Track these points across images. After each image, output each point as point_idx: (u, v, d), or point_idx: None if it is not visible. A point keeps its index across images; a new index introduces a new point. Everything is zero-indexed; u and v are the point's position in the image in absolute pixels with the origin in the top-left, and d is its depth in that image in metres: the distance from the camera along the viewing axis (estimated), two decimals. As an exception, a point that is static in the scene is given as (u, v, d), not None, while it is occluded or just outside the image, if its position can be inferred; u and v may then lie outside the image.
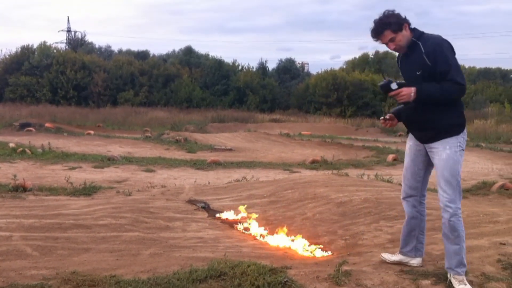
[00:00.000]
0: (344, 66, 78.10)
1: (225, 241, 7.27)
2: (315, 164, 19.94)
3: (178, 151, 24.90)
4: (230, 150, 25.85)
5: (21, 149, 20.69)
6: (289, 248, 7.11)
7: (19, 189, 11.16)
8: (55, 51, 64.89)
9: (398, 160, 21.73)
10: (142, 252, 6.32)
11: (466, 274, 5.80)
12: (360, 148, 27.36)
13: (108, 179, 14.69)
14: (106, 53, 76.77)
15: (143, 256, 6.14)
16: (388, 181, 13.16)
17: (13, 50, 63.37)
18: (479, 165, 21.23)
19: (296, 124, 46.25)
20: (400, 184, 11.88)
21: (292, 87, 69.20)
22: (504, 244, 6.86)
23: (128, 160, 19.48)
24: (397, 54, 5.79)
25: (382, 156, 23.21)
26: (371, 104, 61.82)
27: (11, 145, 22.44)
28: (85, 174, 15.56)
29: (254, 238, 7.72)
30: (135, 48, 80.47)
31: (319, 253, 7.01)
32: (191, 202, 10.07)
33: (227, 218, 8.83)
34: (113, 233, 7.29)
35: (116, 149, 25.13)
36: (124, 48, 77.71)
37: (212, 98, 64.10)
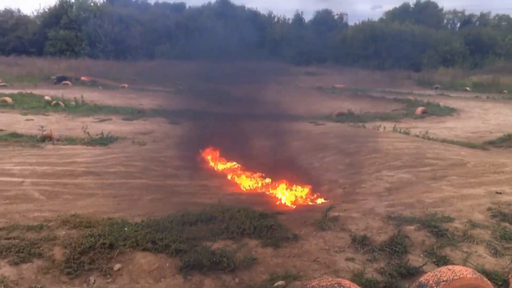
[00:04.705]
0: (384, 17, 76.04)
1: (227, 189, 7.56)
2: (341, 117, 19.90)
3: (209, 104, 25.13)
4: (258, 102, 25.88)
5: (55, 102, 21.28)
6: (286, 195, 7.35)
7: (47, 139, 11.64)
8: (92, 4, 65.37)
9: (427, 113, 21.50)
10: (144, 198, 6.68)
11: (453, 221, 5.95)
12: (391, 101, 27.04)
13: (135, 130, 15.07)
14: (143, 6, 76.81)
15: (143, 201, 6.50)
16: (405, 133, 13.12)
17: (52, 4, 64.15)
18: (511, 118, 20.81)
19: (331, 77, 45.72)
20: (417, 136, 11.91)
21: (329, 39, 67.93)
22: (500, 193, 6.92)
23: (157, 112, 19.87)
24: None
25: (412, 108, 22.94)
26: (410, 56, 60.26)
27: (47, 98, 23.05)
28: (113, 126, 15.98)
29: (255, 186, 7.98)
30: (171, 0, 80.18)
31: (318, 201, 7.22)
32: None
33: (231, 168, 9.09)
34: (121, 180, 7.68)
35: (148, 102, 25.57)
36: (160, 1, 77.64)
37: (248, 51, 63.67)
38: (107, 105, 22.21)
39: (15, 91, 25.79)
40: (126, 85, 33.14)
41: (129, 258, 4.83)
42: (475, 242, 5.50)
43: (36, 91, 26.47)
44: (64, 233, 5.22)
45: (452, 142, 12.63)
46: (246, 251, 5.10)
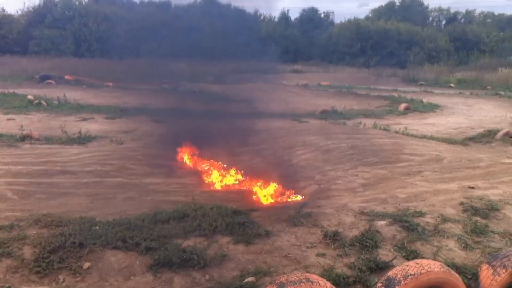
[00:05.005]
0: (370, 15, 76.36)
1: (203, 187, 7.57)
2: (324, 114, 19.96)
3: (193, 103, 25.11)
4: (244, 100, 25.92)
5: (37, 101, 21.13)
6: (262, 192, 7.37)
7: (26, 139, 11.57)
8: (77, 3, 64.92)
9: (410, 109, 21.64)
10: (118, 196, 6.67)
11: (424, 215, 6.00)
12: (376, 98, 27.18)
13: (117, 129, 15.00)
14: (128, 4, 76.36)
15: (117, 200, 6.49)
16: (384, 129, 13.21)
17: (36, 3, 63.63)
18: (493, 114, 21.03)
19: (316, 75, 45.91)
20: (397, 132, 12.01)
21: (315, 37, 68.12)
22: (473, 187, 7.00)
23: (140, 111, 19.81)
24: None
25: (395, 105, 23.07)
26: (395, 54, 60.62)
27: (29, 97, 22.86)
28: (96, 125, 15.90)
29: (232, 184, 8.00)
30: (156, -1, 79.77)
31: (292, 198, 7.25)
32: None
33: (208, 166, 9.10)
34: (96, 178, 7.65)
35: (132, 100, 25.45)
36: (146, 0, 77.20)
37: (234, 50, 63.63)
38: (90, 104, 22.10)
39: (-2, 91, 25.60)
40: (110, 84, 32.99)
41: (98, 256, 4.82)
42: (445, 236, 5.56)
43: (19, 91, 26.24)
44: (34, 232, 5.20)
45: (432, 138, 12.73)
46: (217, 248, 5.11)
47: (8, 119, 16.46)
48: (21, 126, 12.03)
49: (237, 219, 5.61)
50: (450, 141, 12.64)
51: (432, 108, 22.63)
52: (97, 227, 5.29)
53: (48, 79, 32.55)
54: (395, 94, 28.71)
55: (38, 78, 33.23)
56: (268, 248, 5.21)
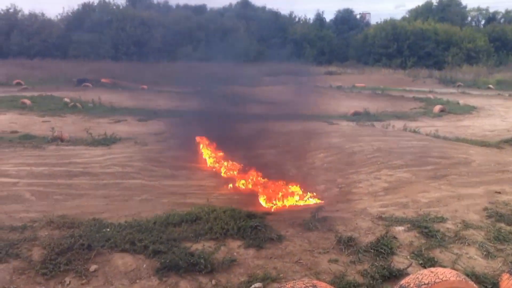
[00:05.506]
0: (407, 15, 75.21)
1: (222, 189, 7.49)
2: (356, 116, 19.69)
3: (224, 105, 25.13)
4: (275, 103, 25.82)
5: (72, 103, 21.53)
6: (282, 195, 7.24)
7: (56, 141, 11.76)
8: (114, 7, 66.11)
9: (445, 111, 21.14)
10: (134, 198, 6.65)
11: (446, 221, 5.77)
12: (410, 100, 26.69)
13: (147, 131, 15.11)
14: (165, 8, 77.32)
15: (133, 202, 6.47)
16: (414, 131, 12.89)
17: (75, 8, 65.01)
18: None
19: (351, 76, 45.42)
20: (427, 134, 11.68)
21: (351, 38, 67.49)
22: (499, 192, 6.70)
23: (172, 113, 19.93)
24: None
25: (430, 107, 22.58)
26: (433, 54, 59.51)
27: (65, 100, 23.31)
28: (127, 127, 16.07)
29: (251, 186, 7.89)
30: (192, 2, 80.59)
31: (312, 201, 7.10)
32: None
33: (230, 168, 9.01)
34: (116, 180, 7.67)
35: (166, 103, 25.65)
36: (182, 3, 78.09)
37: (269, 52, 63.58)
38: (124, 107, 22.35)
39: (36, 94, 26.20)
40: (145, 87, 33.38)
41: (106, 259, 4.79)
42: (466, 244, 5.32)
43: (57, 93, 26.81)
44: (46, 233, 5.22)
45: (463, 141, 12.36)
46: (226, 252, 5.02)
47: (43, 121, 16.80)
48: (52, 128, 12.22)
49: (249, 223, 5.50)
50: (483, 143, 12.22)
51: (469, 110, 22.04)
52: (108, 229, 5.28)
53: (85, 82, 33.21)
54: (431, 96, 28.11)
55: (76, 81, 33.95)
56: (280, 253, 5.09)
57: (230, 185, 7.87)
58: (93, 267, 4.67)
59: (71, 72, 43.81)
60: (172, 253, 4.83)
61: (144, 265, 4.73)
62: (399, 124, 15.99)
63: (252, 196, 7.19)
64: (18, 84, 32.82)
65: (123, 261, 4.77)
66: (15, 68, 41.85)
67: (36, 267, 4.60)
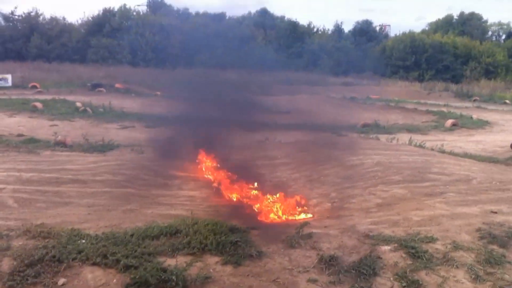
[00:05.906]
0: (427, 28, 74.62)
1: (212, 200, 7.34)
2: (365, 128, 19.46)
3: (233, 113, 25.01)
4: (287, 112, 25.62)
5: (83, 108, 21.59)
6: (270, 209, 7.06)
7: (60, 145, 11.73)
8: (134, 13, 66.63)
9: (457, 125, 20.80)
10: (118, 208, 6.52)
11: (435, 241, 5.55)
12: (423, 113, 26.33)
13: (152, 137, 14.96)
14: (184, 15, 77.65)
15: (116, 212, 6.34)
16: (419, 146, 12.61)
17: (95, 13, 65.68)
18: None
19: (367, 88, 45.04)
20: (432, 149, 11.43)
21: (368, 50, 67.04)
22: (496, 212, 6.44)
23: (180, 120, 19.83)
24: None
25: (442, 121, 22.24)
26: (451, 68, 58.86)
27: (77, 104, 23.40)
28: (134, 133, 16.02)
29: (241, 198, 7.71)
30: (211, 10, 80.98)
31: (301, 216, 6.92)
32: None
33: (223, 178, 8.83)
34: (105, 188, 7.56)
35: (177, 109, 25.51)
36: (201, 11, 78.40)
37: (286, 61, 63.44)
38: (134, 112, 22.32)
39: (49, 97, 26.35)
40: (159, 93, 33.45)
41: (76, 272, 4.65)
42: (454, 266, 5.09)
43: (70, 97, 26.94)
44: (20, 243, 5.10)
45: (471, 156, 12.06)
46: (201, 268, 4.85)
47: (51, 125, 16.84)
48: (55, 133, 12.19)
49: (230, 238, 5.34)
50: (491, 159, 11.92)
51: (481, 124, 21.66)
52: (84, 241, 5.14)
53: (99, 87, 33.43)
54: (445, 109, 27.72)
55: (90, 86, 34.20)
56: (257, 271, 4.91)
57: (229, 197, 7.71)
58: (61, 281, 4.54)
59: (87, 76, 44.11)
60: (143, 268, 4.67)
61: (114, 280, 4.58)
62: (407, 137, 15.72)
63: (240, 208, 7.01)
64: (34, 87, 33.14)
65: (92, 275, 4.63)
66: (33, 71, 42.26)
67: (3, 279, 4.48)
